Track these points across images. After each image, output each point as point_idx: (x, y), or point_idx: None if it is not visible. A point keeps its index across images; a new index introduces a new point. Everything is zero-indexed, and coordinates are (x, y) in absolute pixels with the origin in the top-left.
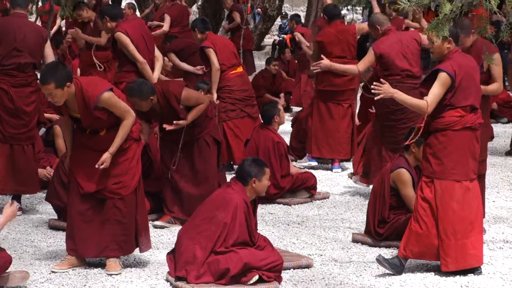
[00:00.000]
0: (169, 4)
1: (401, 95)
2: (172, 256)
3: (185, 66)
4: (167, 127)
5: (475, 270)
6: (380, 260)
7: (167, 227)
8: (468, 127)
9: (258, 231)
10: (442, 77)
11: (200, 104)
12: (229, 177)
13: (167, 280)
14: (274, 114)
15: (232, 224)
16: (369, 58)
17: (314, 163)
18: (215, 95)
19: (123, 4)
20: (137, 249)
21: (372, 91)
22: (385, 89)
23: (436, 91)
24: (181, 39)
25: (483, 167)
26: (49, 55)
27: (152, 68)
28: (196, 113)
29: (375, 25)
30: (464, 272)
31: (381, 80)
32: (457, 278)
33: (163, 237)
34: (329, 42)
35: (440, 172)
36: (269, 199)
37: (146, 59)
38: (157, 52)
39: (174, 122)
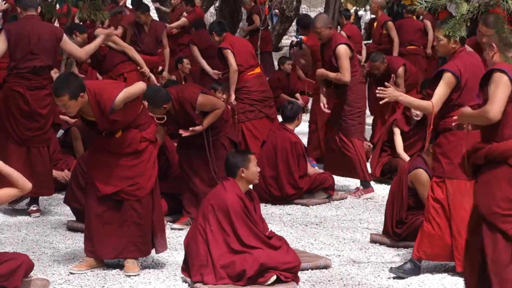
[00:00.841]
0: (189, 9)
1: (406, 98)
2: (185, 265)
3: (204, 64)
4: (183, 133)
5: None
6: (394, 272)
7: (185, 228)
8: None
9: (276, 232)
10: (447, 77)
11: (216, 110)
12: None
13: (185, 281)
14: (298, 113)
15: (229, 223)
16: None
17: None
18: (233, 96)
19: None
20: (153, 250)
21: (377, 95)
22: (389, 93)
23: (440, 91)
24: (207, 37)
25: None
26: (73, 49)
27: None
28: (212, 118)
29: None
30: None
31: (386, 84)
32: None
33: (181, 238)
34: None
35: (451, 171)
36: (287, 199)
37: None
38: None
39: (190, 128)
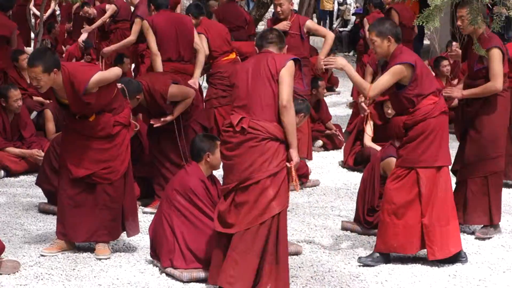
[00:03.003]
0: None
1: (350, 69)
2: (152, 251)
3: None
4: (155, 123)
5: (459, 257)
6: (363, 261)
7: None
8: (444, 111)
9: None
10: (397, 68)
11: (187, 99)
12: None
13: (156, 265)
14: None
15: (195, 207)
16: None
17: None
18: (197, 81)
19: None
20: (125, 233)
21: (324, 66)
22: (335, 60)
23: (384, 79)
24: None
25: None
26: None
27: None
28: (183, 107)
29: None
30: (452, 261)
31: (334, 52)
32: (445, 267)
33: None
34: None
35: (423, 160)
36: None
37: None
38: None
39: (162, 119)
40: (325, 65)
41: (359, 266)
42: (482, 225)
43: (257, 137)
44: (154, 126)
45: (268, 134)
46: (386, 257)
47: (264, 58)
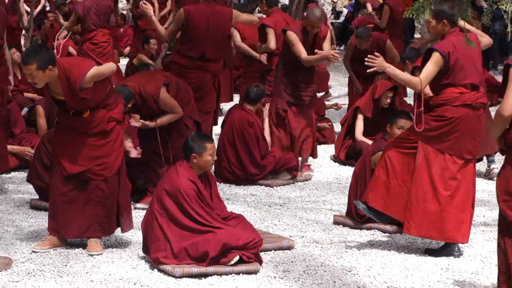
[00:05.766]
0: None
1: (394, 70)
2: (145, 247)
3: (248, 49)
4: (135, 124)
5: (453, 251)
6: (358, 206)
7: None
8: (468, 104)
9: (240, 212)
10: (435, 56)
11: (174, 114)
12: None
13: (148, 261)
14: (262, 97)
15: (184, 207)
16: None
17: None
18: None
19: None
20: (118, 230)
21: (366, 63)
22: (378, 62)
23: (429, 68)
24: None
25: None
26: None
27: None
28: (168, 120)
29: None
30: (445, 254)
31: (376, 53)
32: (438, 260)
33: None
34: None
35: (429, 138)
36: (251, 179)
37: None
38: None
39: (141, 121)
40: (366, 65)
41: (352, 260)
42: None
43: None
44: (134, 127)
45: None
46: (383, 216)
47: None
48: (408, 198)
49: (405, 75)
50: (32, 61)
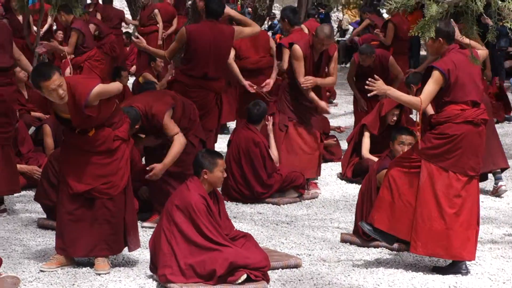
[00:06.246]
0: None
1: (394, 92)
2: (152, 265)
3: (236, 72)
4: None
5: (461, 269)
6: (363, 228)
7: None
8: (470, 121)
9: (247, 231)
10: (435, 74)
11: (177, 146)
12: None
13: (156, 280)
14: (264, 115)
15: (195, 222)
16: None
17: None
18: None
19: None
20: (126, 248)
21: (366, 87)
22: (378, 86)
23: (429, 88)
24: None
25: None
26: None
27: None
28: (173, 158)
29: None
30: (453, 272)
31: (375, 76)
32: (445, 278)
33: None
34: None
35: (431, 156)
36: (257, 198)
37: None
38: None
39: (150, 174)
40: (367, 89)
41: (359, 278)
42: None
43: None
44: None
45: None
46: (388, 237)
47: None
48: (414, 217)
49: (405, 96)
50: (52, 71)
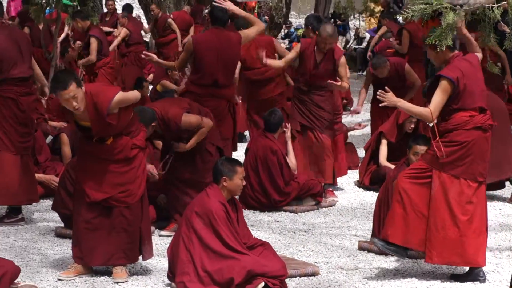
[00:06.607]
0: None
1: (404, 104)
2: (170, 273)
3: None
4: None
5: (478, 276)
6: (377, 245)
7: (173, 235)
8: (479, 127)
9: (265, 239)
10: (443, 84)
11: (202, 128)
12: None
13: None
14: (281, 123)
15: (214, 229)
16: None
17: None
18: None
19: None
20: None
21: (377, 97)
22: (388, 98)
23: (438, 98)
24: None
25: None
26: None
27: None
28: (198, 138)
29: None
30: (471, 280)
31: (386, 88)
32: (463, 285)
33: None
34: None
35: (443, 165)
36: (275, 206)
37: None
38: None
39: (175, 146)
40: (378, 99)
41: (378, 286)
42: None
43: None
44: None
45: None
46: (401, 250)
47: None
48: (427, 227)
49: (415, 108)
50: (69, 81)
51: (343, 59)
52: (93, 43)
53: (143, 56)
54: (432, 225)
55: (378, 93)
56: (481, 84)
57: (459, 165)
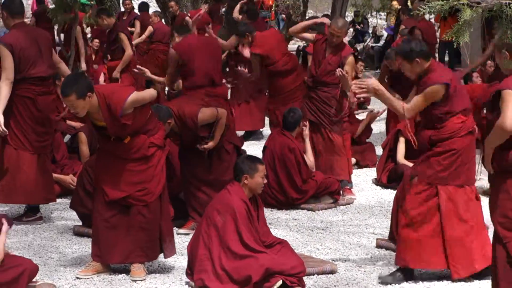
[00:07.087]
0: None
1: (383, 94)
2: (189, 270)
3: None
4: (206, 147)
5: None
6: (383, 280)
7: (191, 233)
8: (470, 131)
9: (282, 236)
10: (432, 89)
11: (220, 119)
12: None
13: (191, 286)
14: (299, 121)
15: (235, 227)
16: None
17: None
18: None
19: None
20: (161, 255)
21: (353, 87)
22: (367, 85)
23: (420, 99)
24: None
25: None
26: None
27: None
28: (220, 129)
29: None
30: (489, 277)
31: (367, 74)
32: (482, 283)
33: (187, 243)
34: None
35: (443, 178)
36: (292, 204)
37: None
38: None
39: (203, 148)
40: (354, 88)
41: (395, 283)
42: None
43: None
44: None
45: None
46: (408, 274)
47: None
48: (446, 243)
49: (390, 99)
50: (71, 92)
51: (350, 59)
52: (125, 38)
53: (135, 70)
54: (451, 240)
55: (353, 82)
56: (461, 85)
57: (460, 172)
